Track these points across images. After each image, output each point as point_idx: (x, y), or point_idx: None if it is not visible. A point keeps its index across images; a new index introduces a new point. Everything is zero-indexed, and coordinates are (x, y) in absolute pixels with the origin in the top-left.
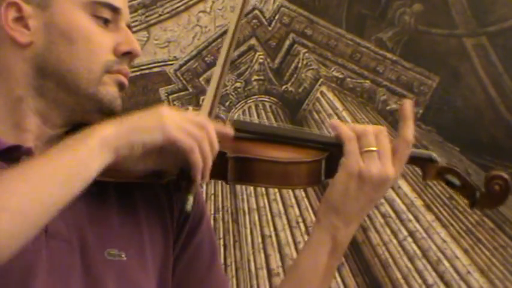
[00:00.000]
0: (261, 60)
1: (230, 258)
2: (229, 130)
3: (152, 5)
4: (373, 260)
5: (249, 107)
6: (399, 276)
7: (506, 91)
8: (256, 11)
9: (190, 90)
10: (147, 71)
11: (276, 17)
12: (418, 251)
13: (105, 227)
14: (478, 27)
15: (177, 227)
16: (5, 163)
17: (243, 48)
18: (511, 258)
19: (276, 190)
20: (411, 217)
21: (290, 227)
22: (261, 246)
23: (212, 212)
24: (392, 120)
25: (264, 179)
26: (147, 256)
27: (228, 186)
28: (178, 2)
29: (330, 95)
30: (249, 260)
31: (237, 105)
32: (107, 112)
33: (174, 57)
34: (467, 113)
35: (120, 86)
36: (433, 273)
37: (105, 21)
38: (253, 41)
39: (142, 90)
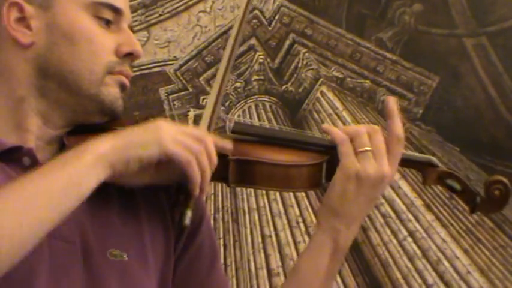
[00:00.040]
0: (261, 60)
1: (230, 258)
2: (228, 143)
3: (152, 5)
4: (373, 260)
5: (249, 107)
6: (399, 276)
7: (506, 91)
8: (256, 11)
9: (191, 90)
10: (147, 71)
11: (276, 17)
12: (418, 251)
13: (106, 227)
14: (478, 27)
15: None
16: (6, 164)
17: (243, 48)
18: (511, 258)
19: None
20: (411, 217)
21: (290, 227)
22: (261, 246)
23: (212, 212)
24: None
25: (265, 181)
26: (148, 256)
27: None
28: (179, 2)
29: (330, 95)
30: (249, 260)
31: (237, 105)
32: (108, 113)
33: (174, 57)
34: (467, 113)
35: (122, 87)
36: (433, 273)
37: (107, 22)
38: (253, 41)
39: (142, 90)
